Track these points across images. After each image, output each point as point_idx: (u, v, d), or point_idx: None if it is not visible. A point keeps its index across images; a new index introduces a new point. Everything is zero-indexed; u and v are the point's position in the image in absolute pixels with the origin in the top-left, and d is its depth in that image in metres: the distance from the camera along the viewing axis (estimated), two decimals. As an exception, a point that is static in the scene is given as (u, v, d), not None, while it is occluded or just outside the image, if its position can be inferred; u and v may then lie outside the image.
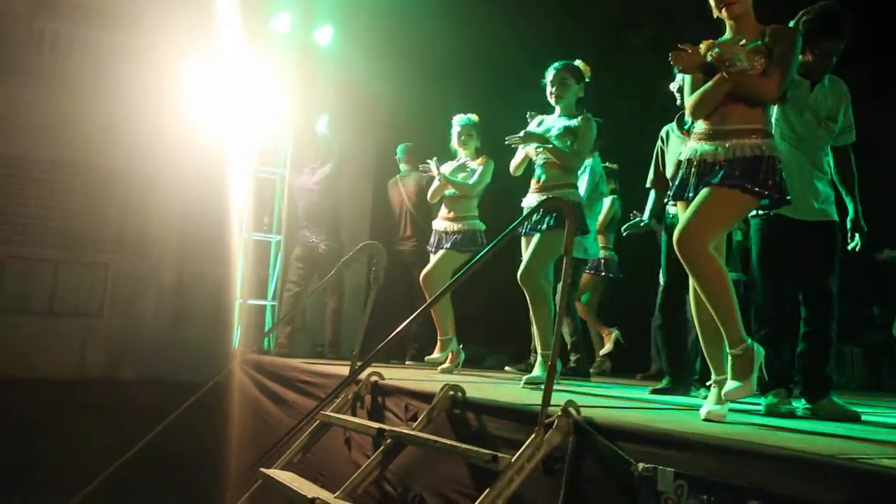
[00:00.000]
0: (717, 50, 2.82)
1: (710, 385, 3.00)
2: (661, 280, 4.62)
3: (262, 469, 3.44)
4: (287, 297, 6.20)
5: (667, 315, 4.56)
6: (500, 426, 2.70)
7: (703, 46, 2.86)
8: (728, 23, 2.94)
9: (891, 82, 6.25)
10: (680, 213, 3.02)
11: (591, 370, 5.93)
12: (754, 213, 3.36)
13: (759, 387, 2.86)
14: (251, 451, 4.60)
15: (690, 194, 2.86)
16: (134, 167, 7.44)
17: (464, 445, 2.64)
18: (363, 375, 3.63)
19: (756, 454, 1.89)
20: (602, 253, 6.28)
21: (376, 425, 3.15)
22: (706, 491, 1.87)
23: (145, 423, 5.48)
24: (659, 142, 4.62)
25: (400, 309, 4.96)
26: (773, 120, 3.34)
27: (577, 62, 4.40)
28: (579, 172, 4.97)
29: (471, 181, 5.30)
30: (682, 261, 2.77)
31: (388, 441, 2.99)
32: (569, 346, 5.52)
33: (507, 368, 5.79)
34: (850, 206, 3.56)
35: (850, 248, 3.57)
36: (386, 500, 3.09)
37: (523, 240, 4.38)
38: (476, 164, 5.35)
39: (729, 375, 2.74)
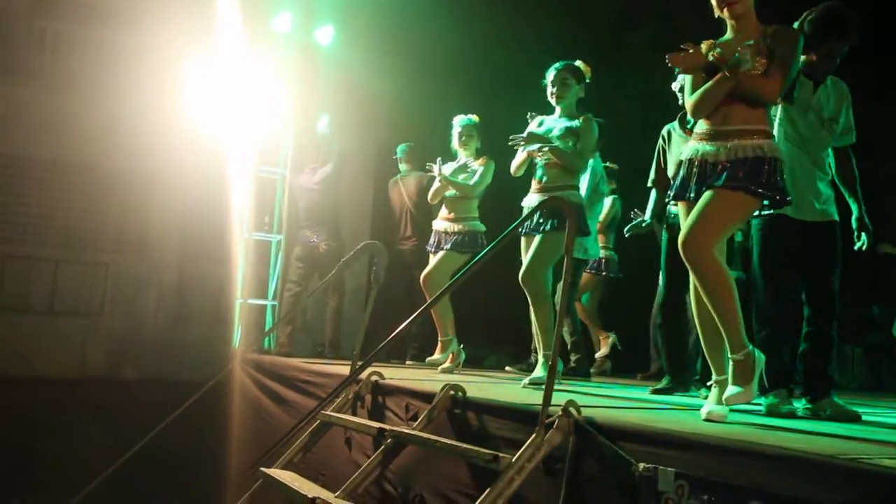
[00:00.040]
0: (718, 50, 2.82)
1: (710, 385, 3.00)
2: (661, 279, 4.61)
3: (262, 469, 3.44)
4: (287, 296, 6.20)
5: (666, 314, 4.56)
6: (501, 426, 2.70)
7: (704, 46, 2.86)
8: (729, 22, 2.94)
9: (891, 82, 6.25)
10: (681, 212, 3.02)
11: (592, 370, 5.93)
12: (756, 213, 3.35)
13: (759, 389, 2.86)
14: (252, 450, 4.61)
15: (691, 195, 2.86)
16: (135, 167, 7.44)
17: (464, 445, 2.64)
18: (364, 375, 3.63)
19: (757, 454, 1.89)
20: (602, 252, 6.29)
21: (377, 425, 3.15)
22: (707, 491, 1.87)
23: (146, 423, 5.49)
24: (660, 141, 4.61)
25: (400, 309, 4.96)
26: (776, 121, 3.35)
27: (578, 63, 4.41)
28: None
29: (471, 182, 5.30)
30: (687, 264, 2.78)
31: (389, 441, 2.99)
32: (569, 347, 5.53)
33: (507, 368, 5.80)
34: (854, 206, 3.55)
35: (856, 247, 3.57)
36: (386, 500, 3.09)
37: (523, 240, 4.38)
38: (477, 165, 5.35)
39: (730, 380, 2.75)
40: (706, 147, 2.85)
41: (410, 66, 6.83)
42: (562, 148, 4.26)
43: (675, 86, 4.27)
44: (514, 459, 2.33)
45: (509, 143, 4.39)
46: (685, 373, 4.52)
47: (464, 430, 2.86)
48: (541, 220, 4.22)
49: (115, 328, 7.38)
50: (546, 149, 4.27)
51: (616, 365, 6.48)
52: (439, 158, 5.35)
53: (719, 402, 2.77)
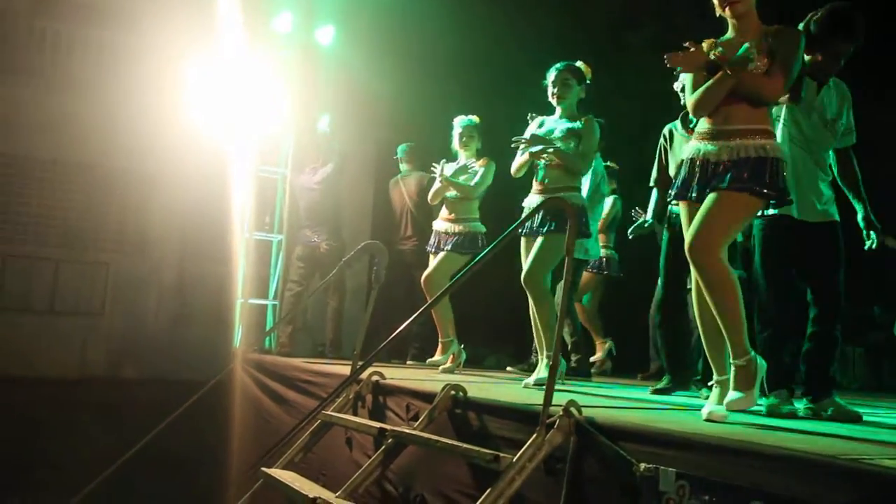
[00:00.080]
0: (719, 49, 2.82)
1: (711, 385, 3.00)
2: (660, 279, 4.61)
3: (263, 468, 3.44)
4: (288, 296, 6.20)
5: (666, 313, 4.56)
6: (502, 426, 2.70)
7: (705, 45, 2.86)
8: (731, 22, 2.94)
9: (891, 82, 6.25)
10: (682, 212, 3.02)
11: (592, 370, 5.93)
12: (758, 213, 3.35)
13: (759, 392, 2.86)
14: (252, 450, 4.60)
15: (693, 194, 2.86)
16: (135, 166, 7.45)
17: (465, 445, 2.64)
18: (364, 375, 3.63)
19: (757, 454, 1.89)
20: (603, 252, 6.29)
21: (378, 425, 3.15)
22: (708, 491, 1.87)
23: (146, 423, 5.49)
24: (661, 140, 4.60)
25: (401, 308, 4.96)
26: (780, 121, 3.34)
27: (579, 63, 4.40)
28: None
29: (472, 183, 5.30)
30: (693, 268, 2.77)
31: (390, 441, 2.99)
32: (569, 347, 5.53)
33: (508, 368, 5.80)
34: (860, 206, 3.54)
35: (867, 247, 3.56)
36: (387, 500, 3.09)
37: (524, 241, 4.38)
38: (477, 166, 5.34)
39: (731, 386, 2.74)
40: (708, 146, 2.85)
41: (411, 66, 6.83)
42: (564, 150, 4.26)
43: (676, 86, 4.27)
44: (514, 459, 2.33)
45: (512, 146, 4.39)
46: (685, 372, 4.52)
47: (465, 430, 2.86)
48: (542, 222, 4.22)
49: (116, 328, 7.39)
50: (550, 151, 4.26)
51: (616, 365, 6.48)
52: (443, 160, 5.35)
53: (720, 402, 2.78)
